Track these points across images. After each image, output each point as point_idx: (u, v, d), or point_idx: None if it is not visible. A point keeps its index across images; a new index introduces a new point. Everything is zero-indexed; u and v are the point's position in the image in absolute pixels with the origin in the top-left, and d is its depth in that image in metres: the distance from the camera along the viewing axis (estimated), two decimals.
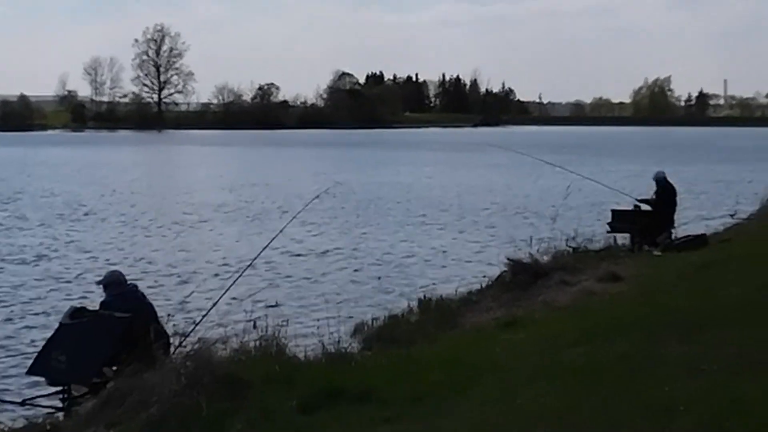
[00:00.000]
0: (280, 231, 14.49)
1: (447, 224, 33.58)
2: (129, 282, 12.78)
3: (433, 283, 21.15)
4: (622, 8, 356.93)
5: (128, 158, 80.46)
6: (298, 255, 24.97)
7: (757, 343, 9.60)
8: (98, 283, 13.08)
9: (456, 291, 18.82)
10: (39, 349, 12.28)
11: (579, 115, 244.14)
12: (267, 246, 14.27)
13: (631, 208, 23.97)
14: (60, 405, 11.52)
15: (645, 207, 23.58)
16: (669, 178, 23.90)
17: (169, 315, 12.74)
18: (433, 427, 7.68)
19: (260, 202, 40.68)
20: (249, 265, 14.27)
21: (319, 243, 27.65)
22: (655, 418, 7.35)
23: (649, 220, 23.05)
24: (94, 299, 14.03)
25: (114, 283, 12.50)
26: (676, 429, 7.10)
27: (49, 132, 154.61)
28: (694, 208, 36.92)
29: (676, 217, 23.55)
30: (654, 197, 23.42)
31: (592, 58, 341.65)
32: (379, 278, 22.10)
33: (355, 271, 23.59)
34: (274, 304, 16.36)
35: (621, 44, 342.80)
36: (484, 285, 19.21)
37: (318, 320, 14.59)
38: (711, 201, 40.85)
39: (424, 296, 18.06)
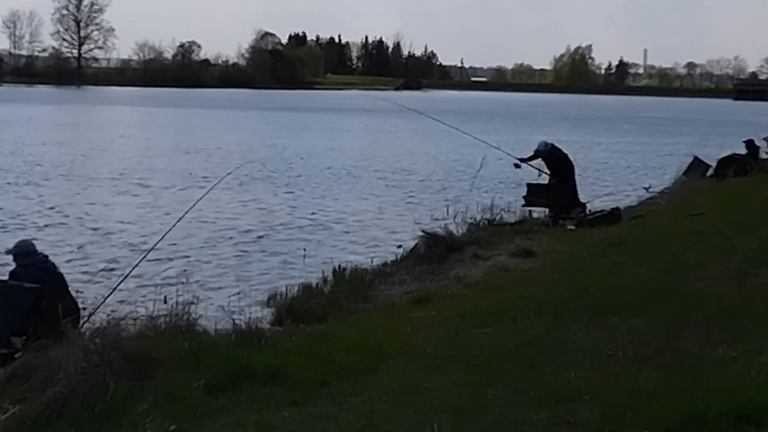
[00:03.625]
0: (193, 206, 14.38)
1: (365, 192, 33.57)
2: (39, 252, 12.63)
3: (349, 253, 21.16)
4: None
5: (50, 118, 79.27)
6: (213, 228, 24.67)
7: (662, 329, 9.74)
8: (7, 252, 12.92)
9: (371, 261, 18.82)
10: None
11: (500, 80, 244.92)
12: (180, 219, 14.17)
13: (545, 182, 24.15)
14: None
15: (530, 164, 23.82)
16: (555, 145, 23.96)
17: (78, 291, 12.61)
18: (336, 413, 7.70)
19: (180, 170, 39.77)
20: (161, 239, 14.16)
21: (235, 215, 27.41)
22: (560, 408, 7.41)
23: (563, 195, 23.27)
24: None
25: (23, 253, 12.34)
26: (580, 420, 7.16)
27: None
28: (611, 180, 37.35)
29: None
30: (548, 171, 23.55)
31: (515, 23, 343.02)
32: (304, 250, 22.00)
33: (271, 242, 23.37)
34: (185, 278, 16.22)
35: (543, 11, 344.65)
36: (398, 256, 19.23)
37: (230, 294, 14.54)
38: (627, 173, 41.30)
39: (339, 267, 17.94)
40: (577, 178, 23.89)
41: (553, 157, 23.42)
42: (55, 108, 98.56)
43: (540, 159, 23.65)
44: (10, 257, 12.47)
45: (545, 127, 76.71)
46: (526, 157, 24.00)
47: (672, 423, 6.82)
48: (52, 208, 27.67)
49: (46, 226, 24.67)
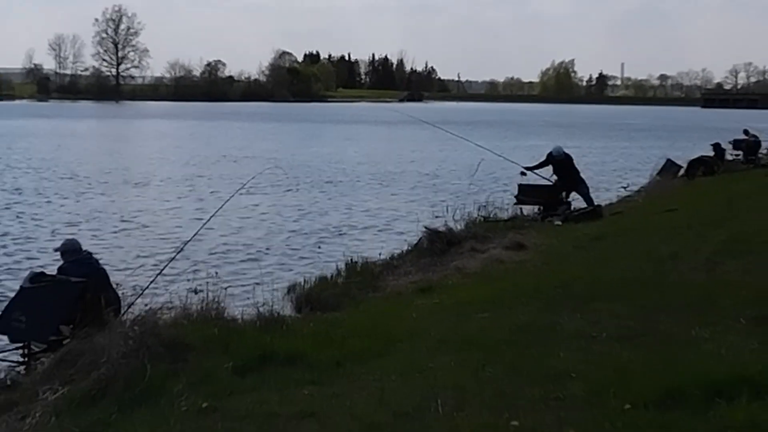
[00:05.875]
0: (221, 207, 14.40)
1: (375, 194, 33.55)
2: (84, 250, 12.66)
3: (360, 248, 21.10)
4: None
5: (96, 130, 79.40)
6: (240, 226, 24.67)
7: (641, 313, 9.71)
8: (56, 250, 12.96)
9: (380, 255, 18.79)
10: (2, 310, 12.15)
11: (493, 92, 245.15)
12: (209, 219, 14.19)
13: (535, 183, 24.22)
14: (20, 361, 11.44)
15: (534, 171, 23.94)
16: (569, 153, 24.19)
17: (119, 284, 12.61)
18: (350, 391, 7.68)
19: (208, 177, 39.67)
20: (192, 237, 14.16)
21: (259, 214, 27.41)
22: (551, 385, 7.37)
23: (550, 195, 23.36)
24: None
25: (70, 251, 12.42)
26: (569, 395, 7.12)
27: (17, 102, 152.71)
28: (593, 180, 37.28)
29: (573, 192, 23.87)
30: (556, 176, 23.71)
31: (505, 41, 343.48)
32: (319, 246, 21.99)
33: (292, 237, 23.37)
34: (215, 271, 16.18)
35: (531, 30, 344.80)
36: (404, 250, 19.19)
37: (255, 286, 14.48)
38: (608, 174, 41.20)
39: (351, 260, 17.89)
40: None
41: (562, 163, 23.53)
42: (100, 122, 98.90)
43: (549, 165, 23.77)
44: (59, 254, 12.54)
45: (535, 134, 76.67)
46: (533, 165, 24.12)
47: (651, 397, 6.79)
48: (100, 212, 27.67)
49: (93, 227, 24.68)
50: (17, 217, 26.45)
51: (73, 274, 11.86)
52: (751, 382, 6.91)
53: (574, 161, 24.20)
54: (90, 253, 12.67)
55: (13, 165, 43.19)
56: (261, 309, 11.01)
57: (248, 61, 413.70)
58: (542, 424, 6.58)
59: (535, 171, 24.10)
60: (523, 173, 23.98)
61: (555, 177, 23.80)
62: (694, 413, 6.53)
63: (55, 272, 12.36)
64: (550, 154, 23.92)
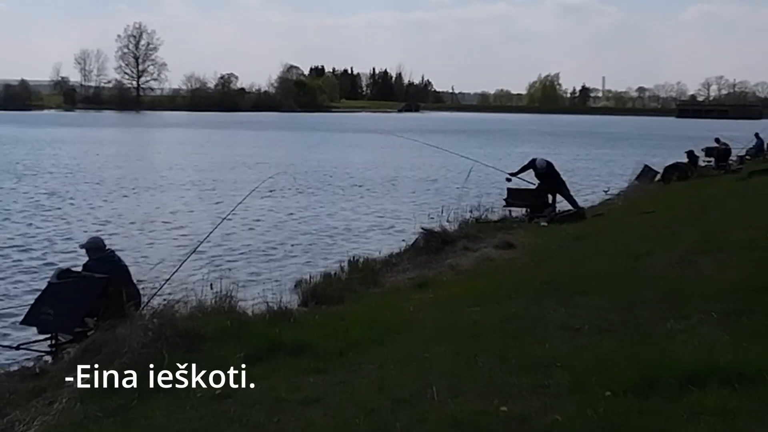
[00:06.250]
0: (232, 210, 14.42)
1: (377, 197, 33.53)
2: (107, 247, 12.64)
3: (362, 246, 21.09)
4: (520, 16, 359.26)
5: (119, 138, 79.40)
6: (252, 227, 24.65)
7: (620, 307, 9.68)
8: (81, 246, 12.95)
9: (379, 253, 18.76)
10: (31, 303, 12.14)
11: (484, 103, 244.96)
12: (222, 221, 14.18)
13: (523, 187, 24.25)
14: (48, 350, 11.45)
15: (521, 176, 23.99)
16: (550, 162, 24.24)
17: (139, 280, 12.60)
18: (352, 378, 7.67)
19: (224, 181, 39.54)
20: (207, 236, 14.15)
21: (269, 215, 27.38)
22: (537, 373, 7.35)
23: (537, 198, 23.42)
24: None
25: (94, 248, 12.42)
26: (554, 383, 7.11)
27: (45, 112, 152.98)
28: (577, 185, 37.25)
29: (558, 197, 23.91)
30: (539, 181, 23.78)
31: (496, 56, 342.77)
32: (332, 240, 21.94)
33: (299, 237, 23.33)
34: (228, 267, 16.18)
35: (519, 45, 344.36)
36: (402, 249, 19.17)
37: (265, 281, 14.47)
38: (590, 179, 41.17)
39: (353, 258, 17.86)
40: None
41: (545, 174, 23.59)
42: (122, 130, 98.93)
43: (530, 170, 23.87)
44: (84, 251, 12.53)
45: (524, 141, 76.62)
46: (516, 170, 24.23)
47: (629, 384, 6.78)
48: (124, 213, 27.68)
49: (117, 227, 24.67)
50: (49, 217, 26.44)
51: (96, 271, 11.88)
52: (722, 371, 6.92)
53: (555, 166, 24.22)
54: (113, 251, 12.67)
55: (44, 169, 43.17)
56: (270, 303, 11.02)
57: (258, 74, 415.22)
58: (530, 409, 6.57)
59: (520, 176, 24.17)
60: (508, 179, 24.13)
61: (538, 182, 23.87)
62: (669, 399, 6.54)
63: (80, 269, 12.37)
64: (532, 161, 24.03)
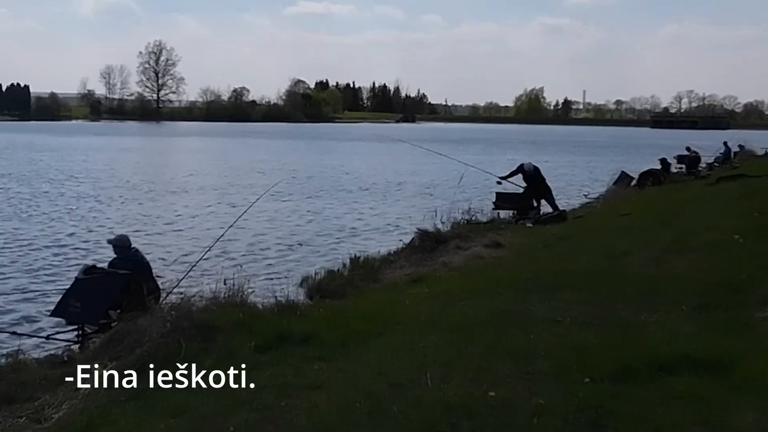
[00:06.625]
0: (244, 212, 14.41)
1: (377, 200, 33.53)
2: (132, 246, 12.64)
3: (363, 245, 21.10)
4: (507, 35, 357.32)
5: (142, 146, 79.34)
6: (263, 227, 24.64)
7: (599, 301, 9.70)
8: (109, 242, 12.90)
9: (379, 252, 18.77)
10: (60, 297, 12.15)
11: (474, 115, 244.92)
12: (235, 222, 14.18)
13: (510, 191, 24.29)
14: (75, 340, 11.45)
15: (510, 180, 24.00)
16: (537, 167, 24.30)
17: (159, 276, 12.59)
18: (354, 366, 7.69)
19: (238, 185, 39.46)
20: (221, 236, 14.17)
21: (279, 217, 27.38)
22: (522, 362, 7.38)
23: (523, 201, 23.46)
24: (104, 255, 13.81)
25: (120, 246, 12.39)
26: (537, 370, 7.14)
27: (73, 122, 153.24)
28: (560, 189, 37.21)
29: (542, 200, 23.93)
30: (525, 185, 23.81)
31: (485, 71, 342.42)
32: (335, 240, 21.91)
33: (306, 237, 23.34)
34: (241, 265, 16.16)
35: (507, 62, 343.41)
36: (399, 248, 19.17)
37: (274, 277, 14.46)
38: (571, 183, 41.14)
39: (354, 256, 17.86)
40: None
41: (532, 177, 23.62)
42: (144, 139, 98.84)
43: (519, 174, 23.91)
44: (111, 246, 12.52)
45: (512, 149, 76.52)
46: (506, 174, 24.26)
47: (608, 372, 6.82)
48: (146, 214, 27.69)
49: (140, 227, 24.66)
50: (79, 218, 26.49)
51: (120, 268, 11.87)
52: (690, 359, 6.98)
53: (542, 171, 24.30)
54: (136, 249, 12.65)
55: (73, 175, 43.18)
56: (279, 296, 10.99)
57: (268, 88, 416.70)
58: (516, 394, 6.60)
59: (509, 180, 24.21)
60: (498, 182, 24.18)
61: (525, 185, 23.90)
62: (643, 385, 6.59)
63: (105, 266, 12.37)
64: (521, 166, 24.07)
